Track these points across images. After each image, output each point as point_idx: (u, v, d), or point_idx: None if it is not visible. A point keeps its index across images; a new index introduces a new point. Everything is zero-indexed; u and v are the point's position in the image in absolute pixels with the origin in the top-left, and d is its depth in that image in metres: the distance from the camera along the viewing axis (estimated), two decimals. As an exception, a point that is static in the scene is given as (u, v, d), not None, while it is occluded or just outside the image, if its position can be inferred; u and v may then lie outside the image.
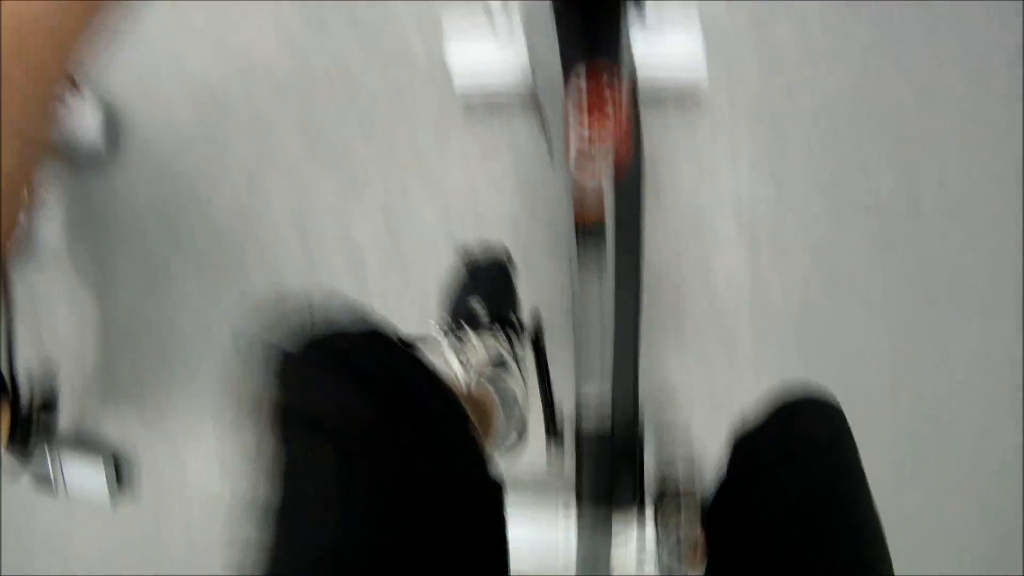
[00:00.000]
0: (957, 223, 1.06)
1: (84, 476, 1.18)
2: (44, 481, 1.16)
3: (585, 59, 0.48)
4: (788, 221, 1.06)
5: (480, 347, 0.70)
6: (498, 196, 1.08)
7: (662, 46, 1.00)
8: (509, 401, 0.70)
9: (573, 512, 0.70)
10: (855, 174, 1.07)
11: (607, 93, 0.48)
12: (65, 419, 1.22)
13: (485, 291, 0.79)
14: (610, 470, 0.69)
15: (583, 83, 0.48)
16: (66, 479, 1.17)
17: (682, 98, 1.05)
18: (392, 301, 1.09)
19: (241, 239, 1.14)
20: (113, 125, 1.20)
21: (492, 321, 0.74)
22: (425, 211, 1.10)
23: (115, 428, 1.21)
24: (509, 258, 0.84)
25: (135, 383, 1.21)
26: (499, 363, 0.71)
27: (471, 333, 0.72)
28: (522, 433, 0.76)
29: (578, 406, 0.72)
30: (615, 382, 0.71)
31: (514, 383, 0.72)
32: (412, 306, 1.09)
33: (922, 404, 1.07)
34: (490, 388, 0.68)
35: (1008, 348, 1.06)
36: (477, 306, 0.76)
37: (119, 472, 1.20)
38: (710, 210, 1.07)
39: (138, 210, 1.20)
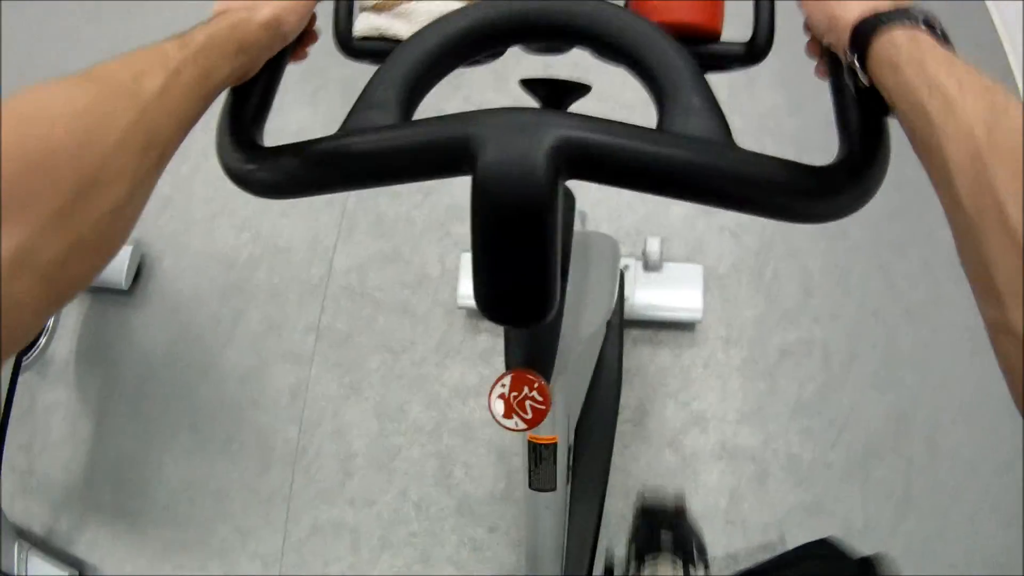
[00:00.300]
0: (948, 465, 1.15)
1: None
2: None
3: (515, 367, 0.56)
4: (771, 466, 1.14)
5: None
6: (487, 412, 1.17)
7: (664, 291, 1.12)
8: None
9: None
10: (843, 420, 1.15)
11: (525, 398, 0.58)
12: (39, 525, 1.28)
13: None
14: None
15: (505, 387, 0.56)
16: None
17: (679, 338, 1.16)
18: (374, 495, 1.15)
19: (239, 405, 1.22)
20: (141, 267, 1.29)
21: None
22: (417, 415, 1.17)
23: (86, 545, 1.26)
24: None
25: (113, 510, 1.26)
26: None
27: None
28: None
29: None
30: None
31: None
32: (390, 503, 1.14)
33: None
34: None
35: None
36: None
37: (81, 589, 1.24)
38: (692, 446, 1.15)
39: (148, 350, 1.28)
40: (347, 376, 1.19)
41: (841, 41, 0.39)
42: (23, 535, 1.20)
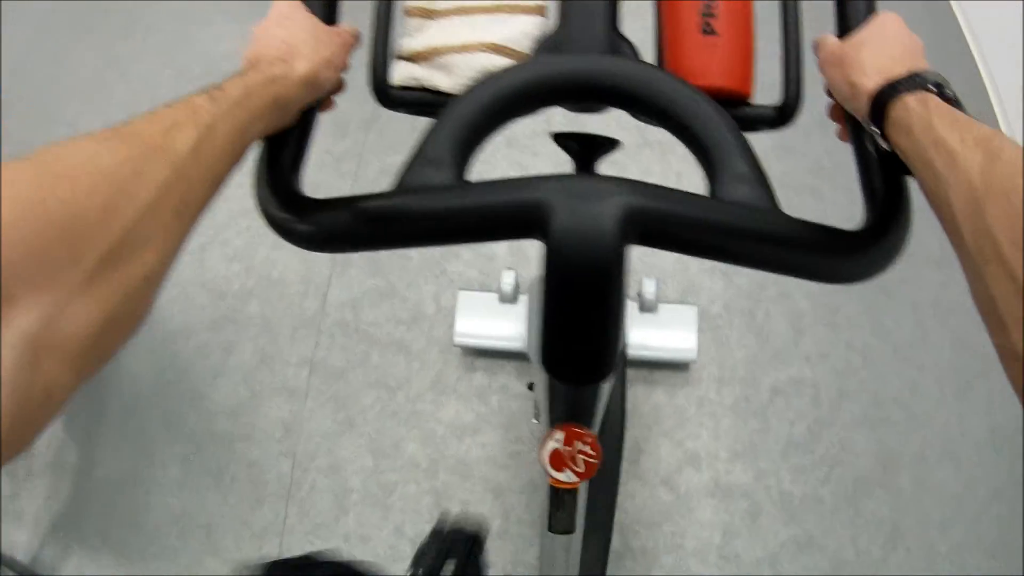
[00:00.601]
0: (935, 499, 1.17)
1: None
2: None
3: (563, 421, 0.56)
4: (763, 503, 1.15)
5: None
6: (483, 449, 1.18)
7: (659, 331, 1.13)
8: None
9: None
10: (833, 457, 1.17)
11: (577, 452, 0.59)
12: (23, 553, 1.26)
13: (459, 555, 0.87)
14: None
15: (560, 442, 0.56)
16: None
17: (673, 378, 1.17)
18: (369, 531, 1.14)
19: (231, 437, 1.21)
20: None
21: None
22: (412, 452, 1.17)
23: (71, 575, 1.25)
24: (484, 532, 0.92)
25: (100, 539, 1.24)
26: None
27: None
28: None
29: None
30: None
31: None
32: (385, 540, 1.13)
33: None
34: None
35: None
36: (449, 568, 0.84)
37: (68, 618, 1.23)
38: (686, 484, 1.16)
39: (137, 379, 1.26)
40: (341, 411, 1.19)
41: (862, 109, 0.41)
42: (6, 563, 1.18)
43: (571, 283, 0.39)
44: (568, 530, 0.67)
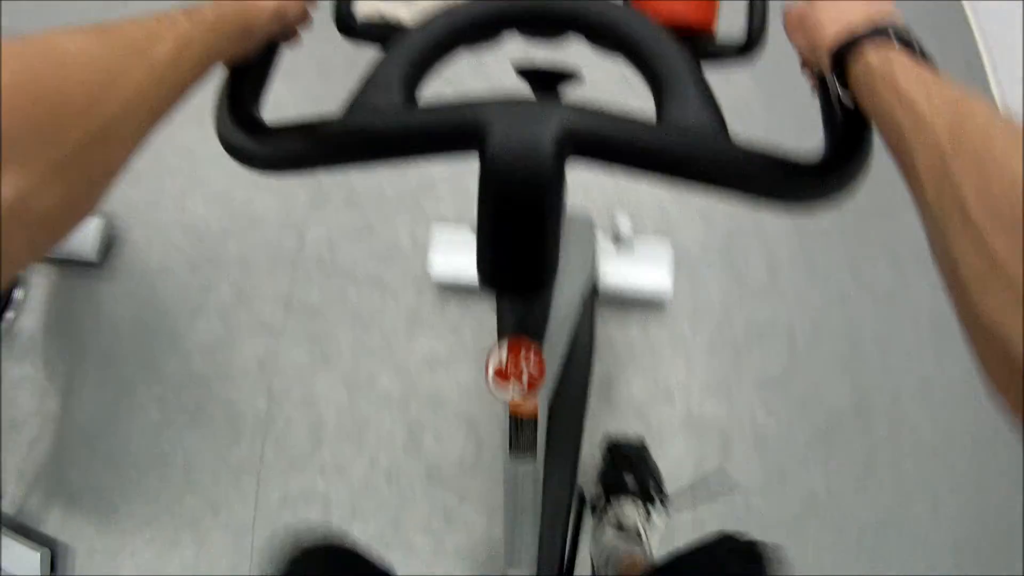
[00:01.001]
0: (909, 440, 1.18)
1: (19, 563, 1.22)
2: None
3: (510, 333, 0.58)
4: (736, 437, 1.16)
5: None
6: (456, 382, 1.18)
7: (634, 267, 1.14)
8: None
9: None
10: (808, 397, 1.18)
11: (523, 363, 0.60)
12: (9, 504, 1.27)
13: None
14: None
15: (504, 352, 0.58)
16: (0, 564, 1.20)
17: (646, 311, 1.18)
18: (344, 463, 1.16)
19: (208, 375, 1.22)
20: (109, 239, 1.28)
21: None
22: (386, 385, 1.18)
23: (56, 523, 1.25)
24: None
25: (83, 485, 1.25)
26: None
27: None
28: None
29: None
30: (541, 568, 0.78)
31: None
32: (360, 471, 1.15)
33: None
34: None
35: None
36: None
37: (54, 564, 1.24)
38: (658, 417, 1.16)
39: (116, 323, 1.27)
40: (317, 347, 1.20)
41: (823, 64, 0.40)
42: (-9, 518, 1.18)
43: (504, 197, 0.41)
44: (527, 454, 0.68)
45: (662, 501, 0.92)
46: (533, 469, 0.70)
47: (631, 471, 0.93)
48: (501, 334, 0.60)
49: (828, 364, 1.20)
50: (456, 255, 1.14)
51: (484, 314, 1.18)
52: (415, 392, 1.16)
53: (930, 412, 1.19)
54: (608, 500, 0.86)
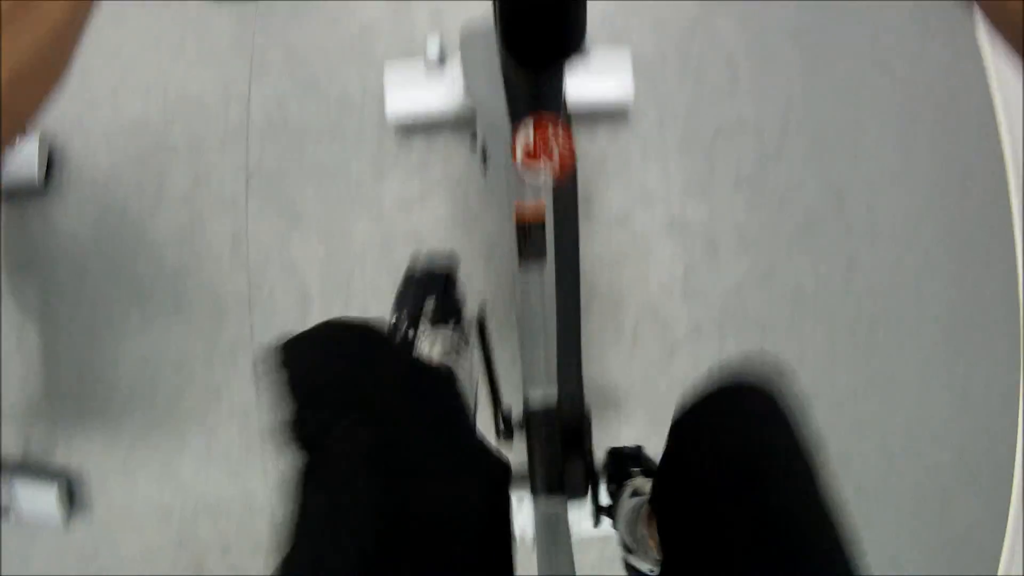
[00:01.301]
0: (881, 218, 1.19)
1: (36, 501, 1.21)
2: (-4, 510, 1.18)
3: (531, 111, 0.55)
4: (720, 237, 1.17)
5: (438, 340, 0.78)
6: (434, 216, 1.16)
7: (595, 75, 1.11)
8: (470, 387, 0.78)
9: (529, 504, 0.76)
10: (784, 192, 1.18)
11: (551, 139, 0.58)
12: (13, 447, 1.25)
13: (436, 292, 0.87)
14: (561, 463, 0.75)
15: (531, 132, 0.54)
16: (18, 506, 1.20)
17: (614, 122, 1.16)
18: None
19: (181, 266, 1.18)
20: (51, 157, 1.22)
21: (444, 319, 0.83)
22: (363, 233, 1.16)
23: (64, 452, 1.24)
24: (455, 263, 0.92)
25: (81, 409, 1.23)
26: (453, 354, 0.79)
27: (428, 327, 0.80)
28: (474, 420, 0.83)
29: (526, 406, 0.77)
30: (560, 380, 0.77)
31: (467, 374, 0.79)
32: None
33: (858, 380, 1.21)
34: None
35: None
36: (430, 305, 0.84)
37: (71, 494, 1.23)
38: (640, 223, 1.16)
39: (77, 238, 1.23)
40: (286, 209, 1.16)
41: None
42: (-1, 465, 1.16)
43: None
44: (539, 256, 0.66)
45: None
46: (544, 275, 0.68)
47: (636, 465, 0.89)
48: (517, 116, 0.56)
49: (799, 158, 1.19)
50: (413, 90, 1.09)
51: (451, 147, 1.15)
52: (394, 234, 1.14)
53: (906, 196, 1.19)
54: (620, 485, 0.81)
